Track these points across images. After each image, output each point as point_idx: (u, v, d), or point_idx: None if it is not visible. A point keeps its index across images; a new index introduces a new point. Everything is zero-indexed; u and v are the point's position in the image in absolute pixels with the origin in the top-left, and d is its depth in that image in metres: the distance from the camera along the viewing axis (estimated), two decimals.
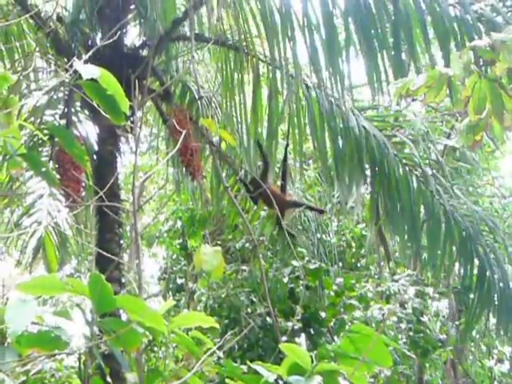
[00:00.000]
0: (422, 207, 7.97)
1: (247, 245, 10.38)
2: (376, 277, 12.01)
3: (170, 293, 14.60)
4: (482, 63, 4.20)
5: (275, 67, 7.32)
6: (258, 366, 2.44)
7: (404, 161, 7.95)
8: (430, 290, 9.89)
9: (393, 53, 6.47)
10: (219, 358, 6.38)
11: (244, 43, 7.44)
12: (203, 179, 8.36)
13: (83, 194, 7.60)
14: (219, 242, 11.61)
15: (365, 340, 2.33)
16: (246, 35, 7.43)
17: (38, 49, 8.35)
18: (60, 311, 2.28)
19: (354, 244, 12.83)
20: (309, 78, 7.72)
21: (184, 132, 5.95)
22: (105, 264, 7.26)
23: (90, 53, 3.24)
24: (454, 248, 8.01)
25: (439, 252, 7.97)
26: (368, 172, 7.96)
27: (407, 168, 7.93)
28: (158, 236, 14.96)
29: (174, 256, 14.56)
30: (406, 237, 7.94)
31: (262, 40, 7.47)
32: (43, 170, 3.28)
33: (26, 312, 2.06)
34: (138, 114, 7.98)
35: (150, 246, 17.08)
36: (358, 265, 13.18)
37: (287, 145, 7.50)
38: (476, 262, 8.09)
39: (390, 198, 7.85)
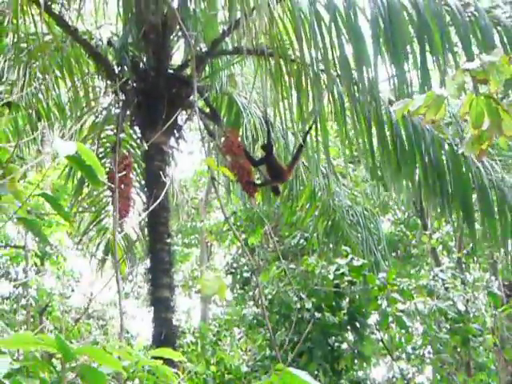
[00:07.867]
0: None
1: (302, 241, 10.67)
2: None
3: (238, 286, 15.06)
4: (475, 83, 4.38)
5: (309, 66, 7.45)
6: None
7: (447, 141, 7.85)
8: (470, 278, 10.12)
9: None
10: None
11: (279, 50, 7.69)
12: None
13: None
14: (277, 239, 11.94)
15: None
16: (281, 42, 7.69)
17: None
18: None
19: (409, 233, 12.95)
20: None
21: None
22: (157, 272, 7.77)
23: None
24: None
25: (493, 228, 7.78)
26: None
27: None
28: (225, 231, 15.43)
29: (240, 251, 14.96)
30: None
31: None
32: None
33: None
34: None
35: (222, 240, 17.54)
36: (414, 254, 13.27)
37: (309, 128, 7.68)
38: None
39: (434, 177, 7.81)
